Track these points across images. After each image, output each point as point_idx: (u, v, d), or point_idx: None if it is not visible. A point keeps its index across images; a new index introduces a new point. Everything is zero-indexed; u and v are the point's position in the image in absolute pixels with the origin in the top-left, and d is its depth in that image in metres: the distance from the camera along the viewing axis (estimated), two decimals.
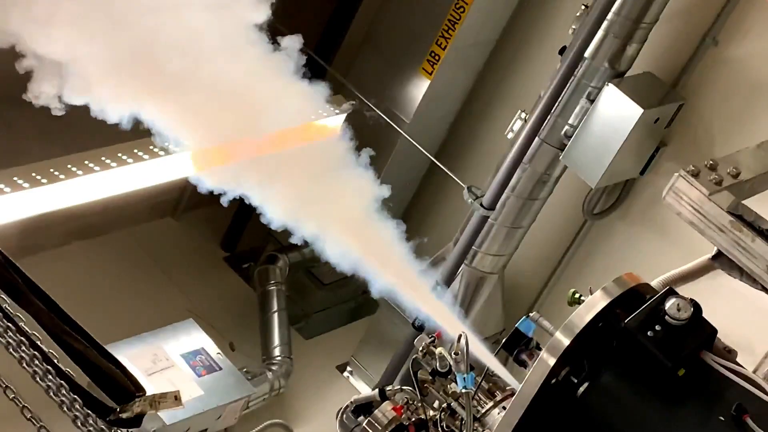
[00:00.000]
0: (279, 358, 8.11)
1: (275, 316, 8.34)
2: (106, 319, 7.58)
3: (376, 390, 5.10)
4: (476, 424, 4.72)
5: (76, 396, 3.92)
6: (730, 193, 3.67)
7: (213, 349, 7.46)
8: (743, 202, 3.70)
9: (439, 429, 4.79)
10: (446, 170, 7.84)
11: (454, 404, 4.77)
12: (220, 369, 7.36)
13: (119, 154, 6.65)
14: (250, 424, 7.61)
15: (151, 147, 6.77)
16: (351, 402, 5.15)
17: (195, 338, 7.49)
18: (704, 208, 3.65)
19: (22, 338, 3.93)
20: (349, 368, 8.80)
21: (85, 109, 5.38)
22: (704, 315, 4.11)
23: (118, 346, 7.00)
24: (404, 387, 5.03)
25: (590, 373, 4.02)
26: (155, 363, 7.12)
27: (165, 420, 6.71)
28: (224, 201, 5.80)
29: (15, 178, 6.26)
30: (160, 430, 6.71)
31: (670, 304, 3.97)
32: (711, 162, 3.72)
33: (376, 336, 8.68)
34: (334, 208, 5.86)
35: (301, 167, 6.04)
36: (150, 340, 7.26)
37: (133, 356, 7.04)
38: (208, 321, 7.86)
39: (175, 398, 3.94)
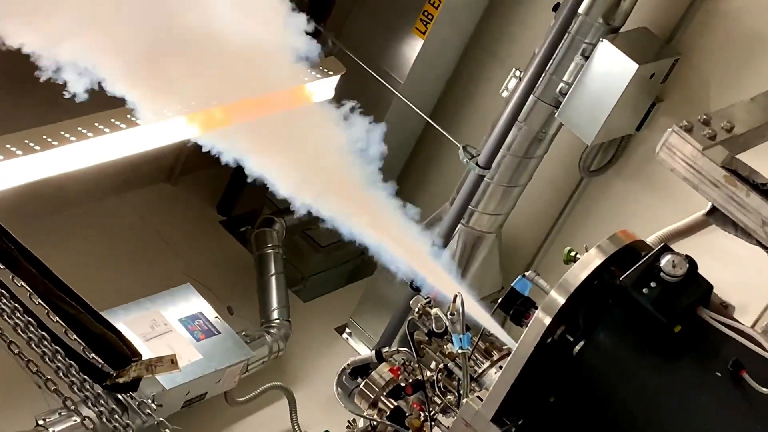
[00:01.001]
0: (277, 321, 8.10)
1: (273, 279, 8.32)
2: (103, 285, 7.57)
3: (373, 352, 5.11)
4: (473, 384, 4.73)
5: (71, 362, 3.93)
6: (724, 147, 3.65)
7: (211, 313, 7.45)
8: (737, 156, 3.68)
9: (436, 389, 4.80)
10: (441, 130, 7.81)
11: (450, 365, 4.79)
12: (219, 333, 7.35)
13: (112, 120, 6.61)
14: (249, 387, 7.63)
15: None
16: (348, 364, 5.16)
17: (193, 303, 7.47)
18: (698, 163, 3.63)
19: (16, 305, 3.93)
20: (347, 330, 8.80)
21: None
22: (700, 271, 4.11)
23: (116, 312, 7.00)
24: (401, 348, 5.05)
25: (586, 331, 4.02)
26: (153, 328, 7.12)
27: (164, 385, 6.71)
28: (224, 161, 5.79)
29: (8, 146, 6.22)
30: (160, 394, 6.71)
31: (665, 260, 3.96)
32: (704, 117, 3.69)
33: (374, 297, 8.67)
34: (327, 171, 5.85)
35: (294, 130, 6.02)
36: (147, 306, 7.25)
37: (131, 322, 7.03)
38: (205, 285, 7.84)
39: (172, 362, 3.94)
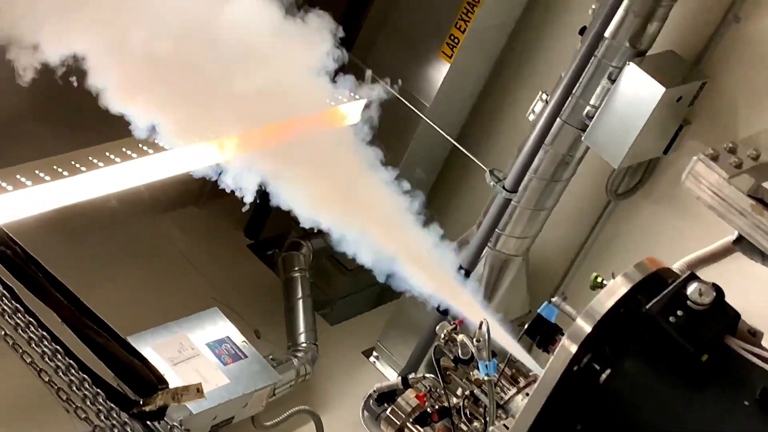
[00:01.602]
0: (304, 344, 8.12)
1: (300, 302, 8.34)
2: (130, 309, 7.62)
3: (399, 378, 5.10)
4: (500, 411, 4.72)
5: (98, 389, 3.95)
6: (750, 175, 3.62)
7: (238, 337, 7.47)
8: (764, 184, 3.65)
9: (463, 416, 4.79)
10: (468, 153, 7.81)
11: (477, 391, 4.77)
12: (246, 357, 7.37)
13: (140, 145, 6.65)
14: (276, 411, 7.64)
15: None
16: (374, 390, 5.15)
17: (220, 327, 7.50)
18: (724, 192, 3.61)
19: (43, 333, 3.95)
20: (375, 353, 8.80)
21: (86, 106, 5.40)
22: (727, 296, 4.09)
23: (144, 336, 7.03)
24: (427, 375, 5.04)
25: (612, 359, 4.00)
26: (181, 352, 7.14)
27: (191, 409, 6.73)
28: (247, 199, 5.81)
29: (36, 171, 6.27)
30: (187, 419, 6.72)
31: (692, 288, 3.93)
32: (730, 144, 3.67)
33: (401, 320, 8.67)
34: (354, 196, 5.86)
35: (320, 154, 6.03)
36: (175, 330, 7.28)
37: (159, 346, 7.06)
38: (233, 309, 7.87)
39: (197, 390, 3.96)
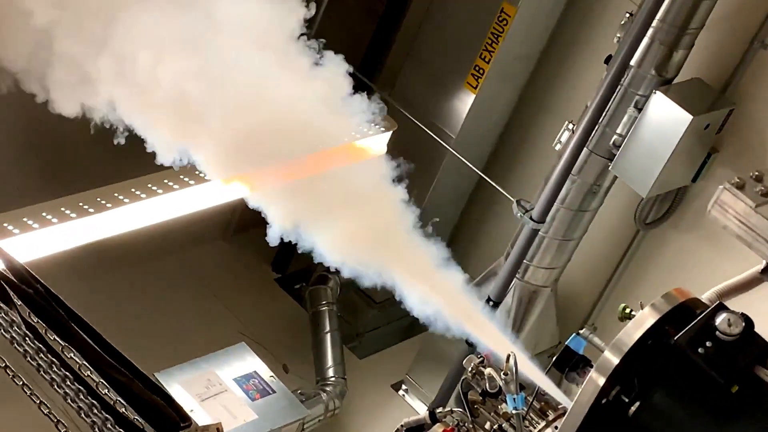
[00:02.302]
0: (333, 378, 8.08)
1: (328, 336, 8.31)
2: (158, 345, 7.61)
3: (427, 412, 5.07)
4: None
5: (121, 429, 3.91)
6: None
7: (266, 372, 7.43)
8: None
9: None
10: (494, 184, 7.77)
11: (505, 425, 4.73)
12: (274, 392, 7.32)
13: (165, 181, 6.65)
14: None
15: (197, 172, 6.78)
16: (402, 425, 5.12)
17: (248, 362, 7.46)
18: (751, 221, 3.57)
19: (66, 373, 3.92)
20: (404, 386, 8.75)
21: (130, 137, 5.43)
22: (758, 326, 4.03)
23: (171, 372, 7.01)
24: (455, 409, 5.00)
25: (641, 391, 3.95)
26: (208, 388, 7.11)
27: None
28: (272, 238, 5.80)
29: (63, 209, 6.28)
30: None
31: (720, 319, 3.89)
32: (756, 173, 3.63)
33: (430, 353, 8.62)
34: (380, 228, 5.83)
35: (347, 188, 6.02)
36: (203, 365, 7.24)
37: (186, 382, 7.03)
38: (260, 344, 7.84)
39: (218, 430, 3.91)
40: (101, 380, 3.85)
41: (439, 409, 5.04)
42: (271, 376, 7.42)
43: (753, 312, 4.06)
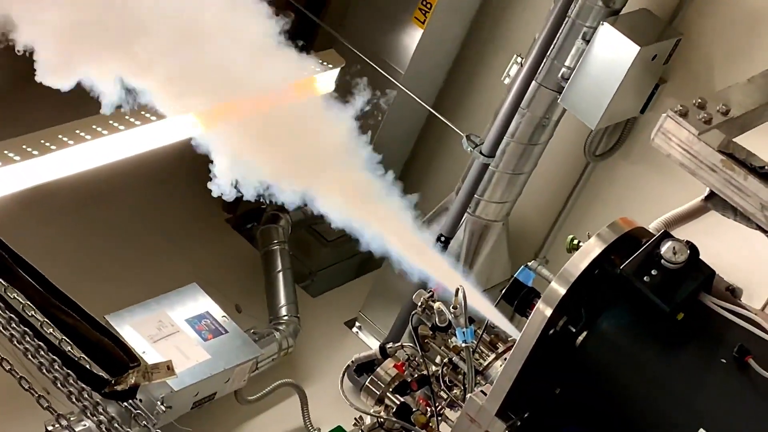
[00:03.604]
0: (286, 317, 8.07)
1: (280, 275, 8.29)
2: (109, 287, 7.57)
3: (377, 347, 5.06)
4: (479, 378, 4.67)
5: (69, 371, 3.89)
6: (720, 131, 3.58)
7: (218, 312, 7.42)
8: (734, 139, 3.61)
9: (442, 384, 4.74)
10: (444, 119, 7.75)
11: (455, 359, 4.72)
12: (226, 332, 7.32)
13: (111, 122, 6.59)
14: (259, 385, 7.60)
15: (145, 113, 6.71)
16: (352, 361, 5.11)
17: (200, 302, 7.44)
18: (694, 148, 3.57)
19: (11, 315, 3.89)
20: (357, 324, 8.77)
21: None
22: (707, 254, 4.05)
23: (122, 314, 6.99)
24: (405, 344, 4.99)
25: (588, 321, 3.97)
26: (160, 330, 7.09)
27: (173, 386, 6.68)
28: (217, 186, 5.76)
29: (5, 151, 6.21)
30: (169, 396, 6.68)
31: (665, 247, 3.90)
32: (699, 100, 3.62)
33: (383, 290, 8.63)
34: (329, 165, 5.80)
35: (296, 125, 5.97)
36: (154, 307, 7.22)
37: (138, 324, 7.01)
38: (212, 284, 7.81)
39: (168, 368, 3.91)
40: (46, 320, 3.83)
41: (390, 345, 5.03)
42: (224, 316, 7.41)
43: (698, 241, 4.07)
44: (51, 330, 3.88)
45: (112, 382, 3.94)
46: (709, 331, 3.93)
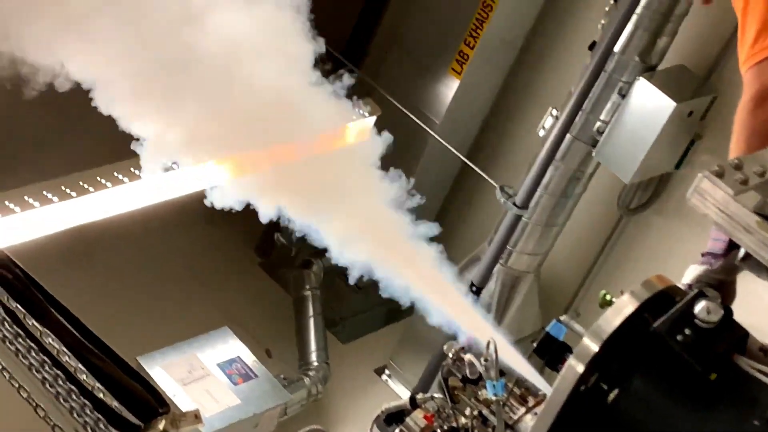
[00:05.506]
0: (316, 363, 8.08)
1: (311, 321, 8.31)
2: (141, 329, 7.59)
3: (408, 398, 5.05)
4: (508, 431, 4.66)
5: (99, 415, 3.90)
6: (757, 192, 3.57)
7: (249, 356, 7.43)
8: None
9: None
10: (478, 170, 7.78)
11: (485, 411, 4.71)
12: (257, 376, 7.33)
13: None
14: (288, 430, 7.59)
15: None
16: (382, 411, 5.10)
17: (231, 346, 7.47)
18: (730, 209, 3.55)
19: (44, 358, 3.90)
20: (387, 371, 8.75)
21: (111, 122, 5.38)
22: (741, 314, 4.03)
23: (153, 356, 7.02)
24: (435, 395, 4.98)
25: (620, 378, 3.95)
26: (191, 372, 7.11)
27: (202, 430, 6.69)
28: (262, 217, 5.77)
29: (44, 192, 6.27)
30: None
31: (699, 307, 3.88)
32: (736, 161, 3.61)
33: (413, 338, 8.62)
34: (363, 214, 5.81)
35: (330, 174, 6.00)
36: (185, 350, 7.25)
37: (169, 366, 7.04)
38: (244, 328, 7.84)
39: (195, 416, 3.90)
40: (79, 365, 3.84)
41: (420, 395, 5.01)
42: (254, 361, 7.43)
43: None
44: (84, 376, 3.89)
45: (142, 427, 3.94)
46: (742, 393, 3.90)
